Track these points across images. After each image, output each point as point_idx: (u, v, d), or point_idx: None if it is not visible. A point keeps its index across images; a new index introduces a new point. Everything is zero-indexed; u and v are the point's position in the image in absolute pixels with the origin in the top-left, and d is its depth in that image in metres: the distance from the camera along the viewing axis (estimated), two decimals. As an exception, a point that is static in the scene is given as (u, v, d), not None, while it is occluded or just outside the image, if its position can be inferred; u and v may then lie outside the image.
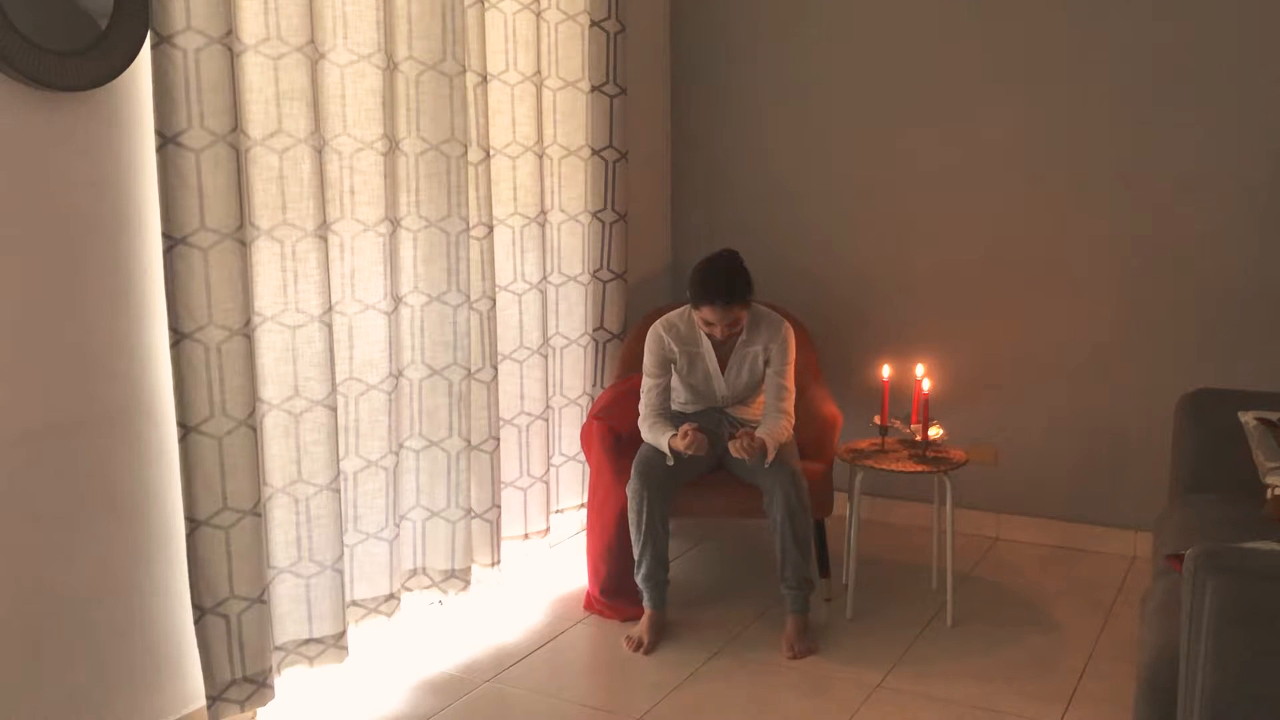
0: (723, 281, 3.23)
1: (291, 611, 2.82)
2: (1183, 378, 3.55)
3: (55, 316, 2.32)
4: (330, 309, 2.78)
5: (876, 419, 3.49)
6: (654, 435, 3.33)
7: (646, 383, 3.41)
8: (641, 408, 3.41)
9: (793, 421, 3.37)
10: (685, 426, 3.24)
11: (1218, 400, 3.12)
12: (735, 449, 3.20)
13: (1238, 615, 1.81)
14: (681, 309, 3.47)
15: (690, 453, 3.21)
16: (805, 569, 3.25)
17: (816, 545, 3.50)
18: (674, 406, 3.49)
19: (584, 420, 3.82)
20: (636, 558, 3.29)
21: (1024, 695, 2.92)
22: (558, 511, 3.91)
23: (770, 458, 3.22)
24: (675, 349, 3.40)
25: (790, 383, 3.39)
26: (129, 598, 2.51)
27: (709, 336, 3.36)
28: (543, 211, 3.64)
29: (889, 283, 4.18)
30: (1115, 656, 3.13)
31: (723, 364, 3.42)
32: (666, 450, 3.26)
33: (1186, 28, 3.61)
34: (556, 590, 3.66)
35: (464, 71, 3.08)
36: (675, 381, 3.48)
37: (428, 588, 3.29)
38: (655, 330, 3.42)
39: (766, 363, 3.41)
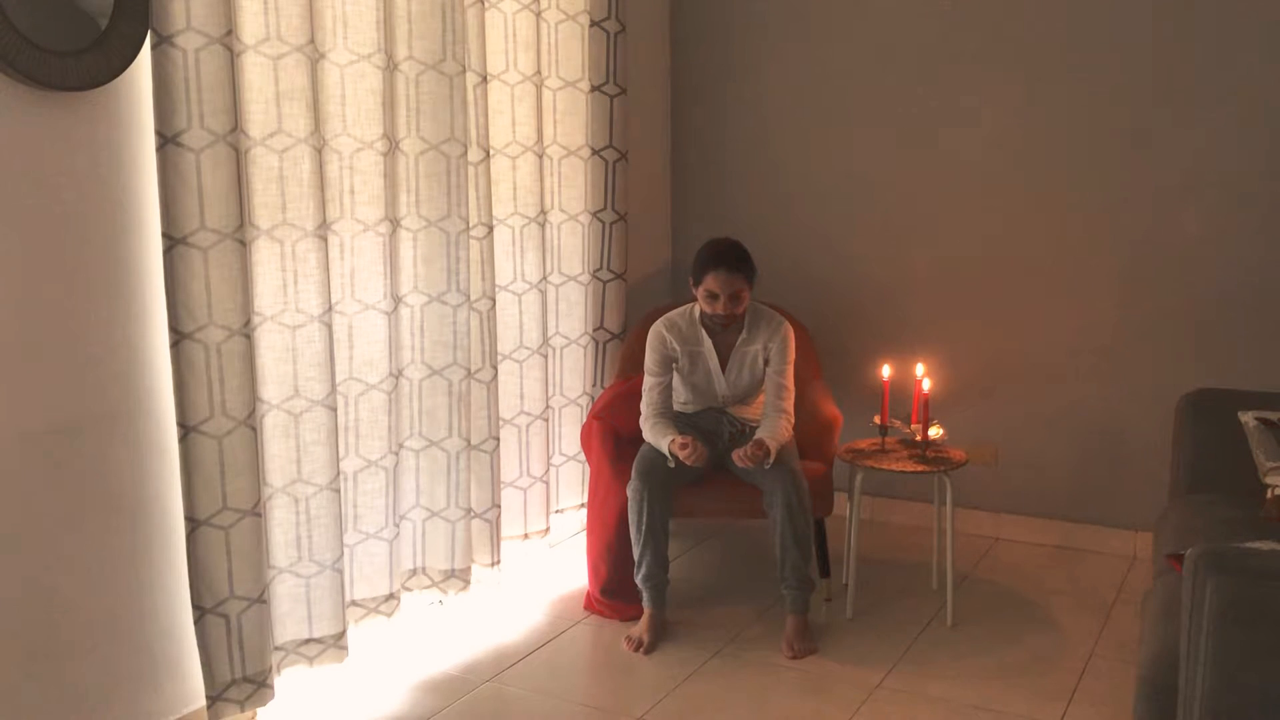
0: (726, 250, 3.29)
1: (291, 611, 2.82)
2: (1183, 378, 3.55)
3: (55, 317, 2.32)
4: (330, 309, 2.78)
5: (876, 419, 3.49)
6: (655, 436, 3.33)
7: (648, 381, 3.41)
8: (643, 406, 3.41)
9: (792, 421, 3.37)
10: (687, 437, 3.24)
11: (1218, 400, 3.12)
12: (740, 459, 3.21)
13: (1238, 615, 1.81)
14: (682, 308, 3.47)
15: (690, 463, 3.22)
16: (805, 569, 3.25)
17: (816, 545, 3.50)
18: (675, 407, 3.49)
19: (584, 420, 3.82)
20: (636, 558, 3.29)
21: (1024, 695, 2.93)
22: (558, 511, 3.91)
23: (772, 458, 3.22)
24: (677, 347, 3.41)
25: (790, 382, 3.40)
26: (129, 598, 2.51)
27: (710, 323, 3.36)
28: (543, 211, 3.64)
29: (889, 283, 4.18)
30: (1115, 656, 3.13)
31: (723, 363, 3.43)
32: (668, 453, 3.27)
33: (1187, 28, 3.61)
34: (556, 590, 3.66)
35: (464, 71, 3.08)
36: (676, 382, 3.48)
37: (428, 588, 3.29)
38: (657, 329, 3.43)
39: (766, 362, 3.41)
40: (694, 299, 3.43)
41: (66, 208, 2.32)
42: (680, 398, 3.51)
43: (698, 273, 3.32)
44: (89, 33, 2.26)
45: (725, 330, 3.40)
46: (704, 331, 3.40)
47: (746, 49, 4.32)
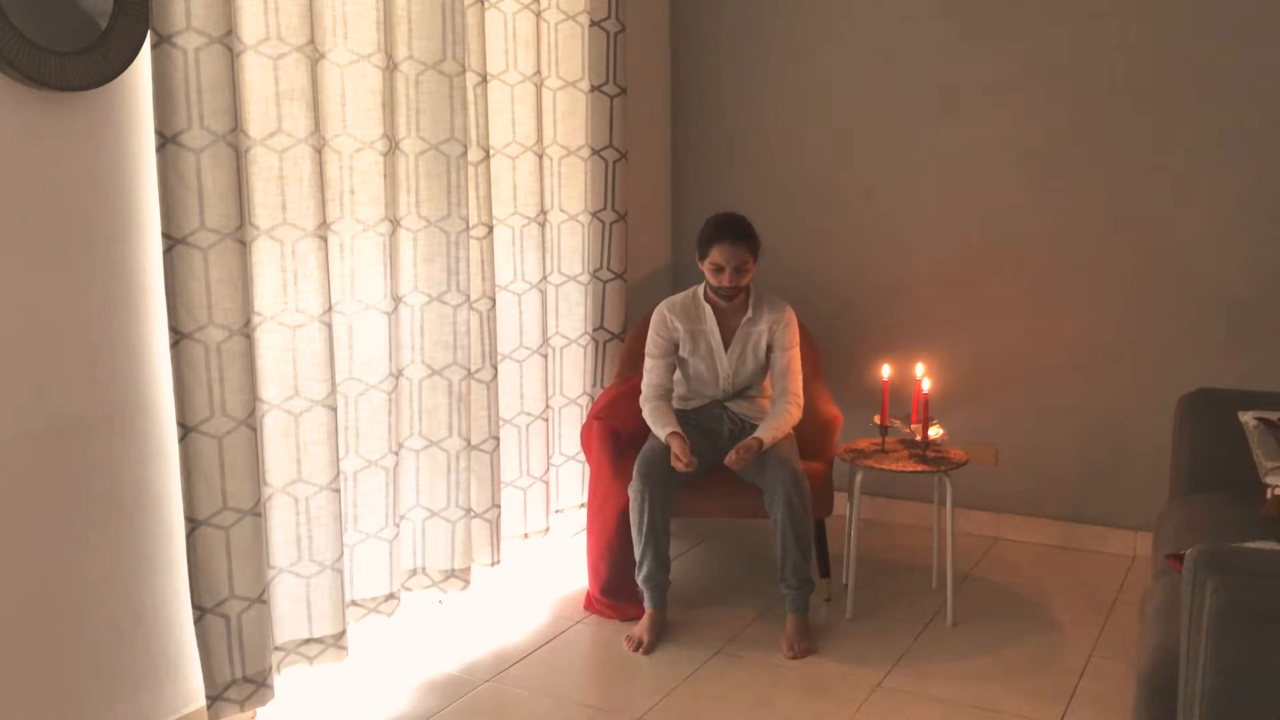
0: (731, 222, 3.34)
1: (291, 611, 2.82)
2: (1183, 378, 3.54)
3: (55, 317, 2.31)
4: (330, 309, 2.78)
5: (876, 419, 3.49)
6: (654, 420, 3.35)
7: (648, 363, 3.43)
8: (645, 387, 3.43)
9: (800, 403, 3.38)
10: (685, 446, 3.24)
11: (1218, 400, 3.12)
12: (730, 463, 3.21)
13: (1238, 615, 1.81)
14: (684, 291, 3.51)
15: (681, 470, 3.22)
16: (805, 569, 3.25)
17: (816, 545, 3.49)
18: (675, 403, 3.49)
19: (584, 420, 3.82)
20: (637, 558, 3.29)
21: (1024, 695, 2.93)
22: (558, 511, 3.91)
23: (766, 446, 3.23)
24: (680, 327, 3.42)
25: (796, 364, 3.41)
26: (129, 598, 2.51)
27: (716, 296, 3.37)
28: (543, 211, 3.64)
29: (889, 283, 4.18)
30: (1115, 656, 3.13)
31: (726, 342, 3.43)
32: (665, 440, 3.27)
33: (1187, 28, 3.61)
34: (556, 590, 3.66)
35: (464, 71, 3.08)
36: (677, 374, 3.49)
37: (428, 587, 3.29)
38: (659, 310, 3.46)
39: (769, 347, 3.42)
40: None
41: (66, 208, 2.31)
42: (680, 390, 3.51)
43: (703, 246, 3.34)
44: (89, 33, 2.26)
45: (730, 311, 3.41)
46: (708, 309, 3.41)
47: (746, 49, 4.32)
